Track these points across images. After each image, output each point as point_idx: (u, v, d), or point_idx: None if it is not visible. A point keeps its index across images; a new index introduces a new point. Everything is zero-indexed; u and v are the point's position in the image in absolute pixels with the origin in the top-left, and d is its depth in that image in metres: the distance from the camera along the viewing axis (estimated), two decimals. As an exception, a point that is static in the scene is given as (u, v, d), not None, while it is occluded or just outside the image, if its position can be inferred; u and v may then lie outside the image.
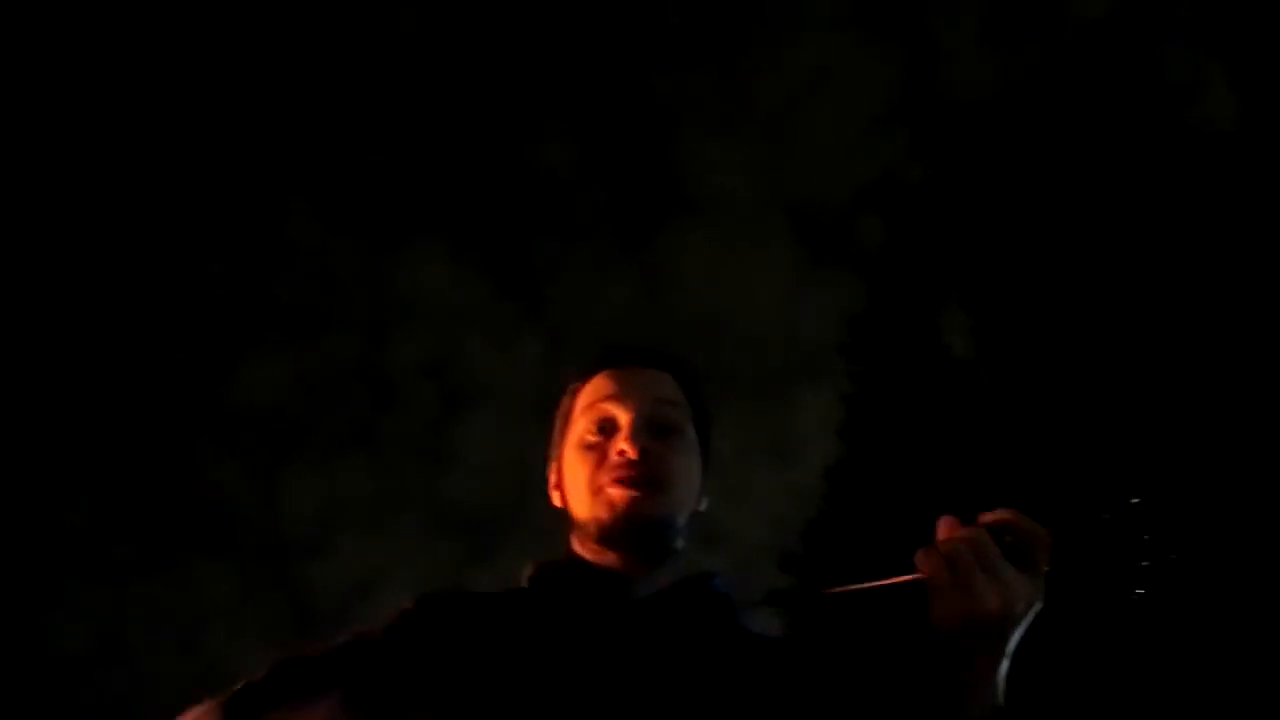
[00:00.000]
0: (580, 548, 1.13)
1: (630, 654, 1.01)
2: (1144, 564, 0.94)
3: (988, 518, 0.97)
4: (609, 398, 1.13)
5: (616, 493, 1.08)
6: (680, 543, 1.14)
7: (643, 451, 1.09)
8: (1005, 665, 0.93)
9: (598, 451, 1.12)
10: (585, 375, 1.18)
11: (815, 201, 21.01)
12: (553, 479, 1.21)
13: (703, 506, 1.19)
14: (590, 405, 1.14)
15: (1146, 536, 0.95)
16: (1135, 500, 0.96)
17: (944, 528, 0.98)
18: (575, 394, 1.18)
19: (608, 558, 1.10)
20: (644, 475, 1.09)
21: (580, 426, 1.15)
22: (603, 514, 1.09)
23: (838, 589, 0.96)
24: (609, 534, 1.08)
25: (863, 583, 0.96)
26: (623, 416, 1.12)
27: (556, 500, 1.19)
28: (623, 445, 1.09)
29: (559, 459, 1.19)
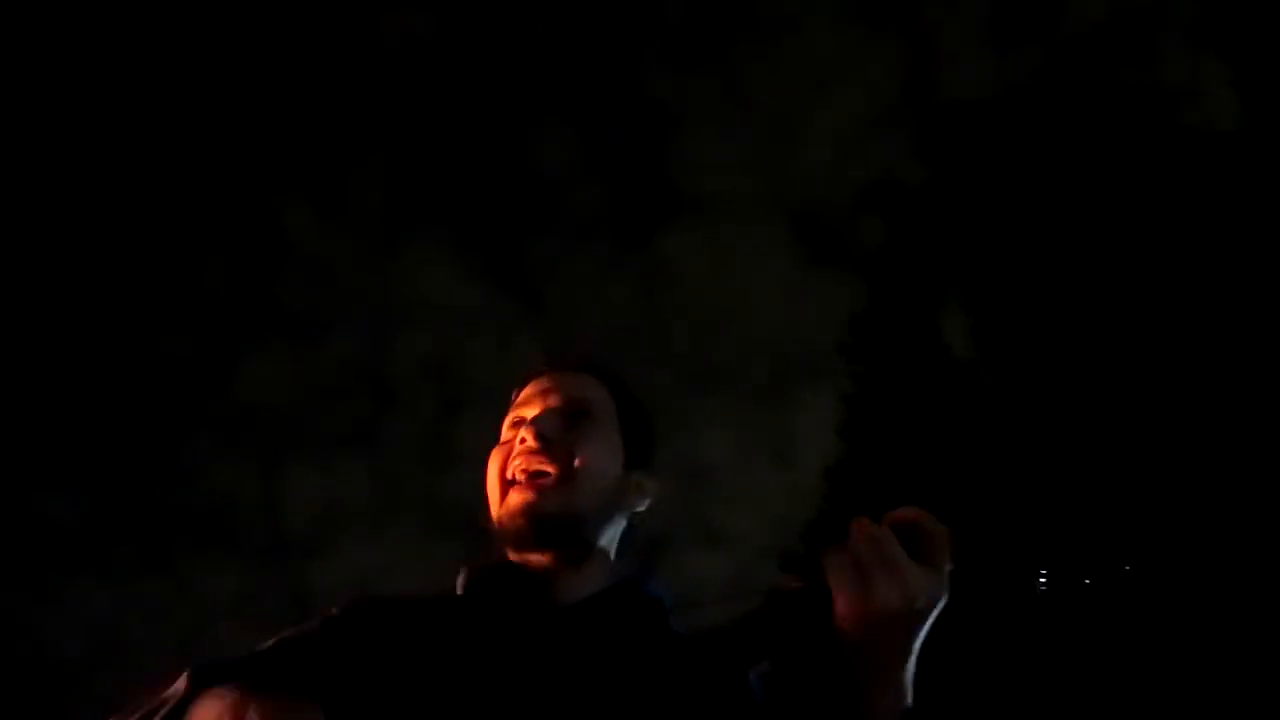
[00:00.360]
0: (506, 549, 1.13)
1: (552, 663, 0.99)
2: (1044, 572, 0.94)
3: (893, 517, 0.96)
4: (527, 398, 1.15)
5: (515, 496, 1.08)
6: (603, 540, 1.11)
7: (541, 438, 1.09)
8: (912, 663, 0.91)
9: (506, 447, 1.13)
10: (519, 386, 1.19)
11: (815, 201, 21.00)
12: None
13: (641, 505, 1.17)
14: (512, 406, 1.17)
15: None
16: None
17: (855, 529, 0.95)
18: (511, 403, 1.21)
19: (528, 559, 1.09)
20: (542, 461, 1.08)
21: (504, 429, 1.17)
22: (504, 516, 1.09)
23: (788, 587, 0.95)
24: (514, 536, 1.08)
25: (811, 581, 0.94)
26: (531, 411, 1.13)
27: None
28: (523, 433, 1.10)
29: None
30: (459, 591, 1.13)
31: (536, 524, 1.06)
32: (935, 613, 0.91)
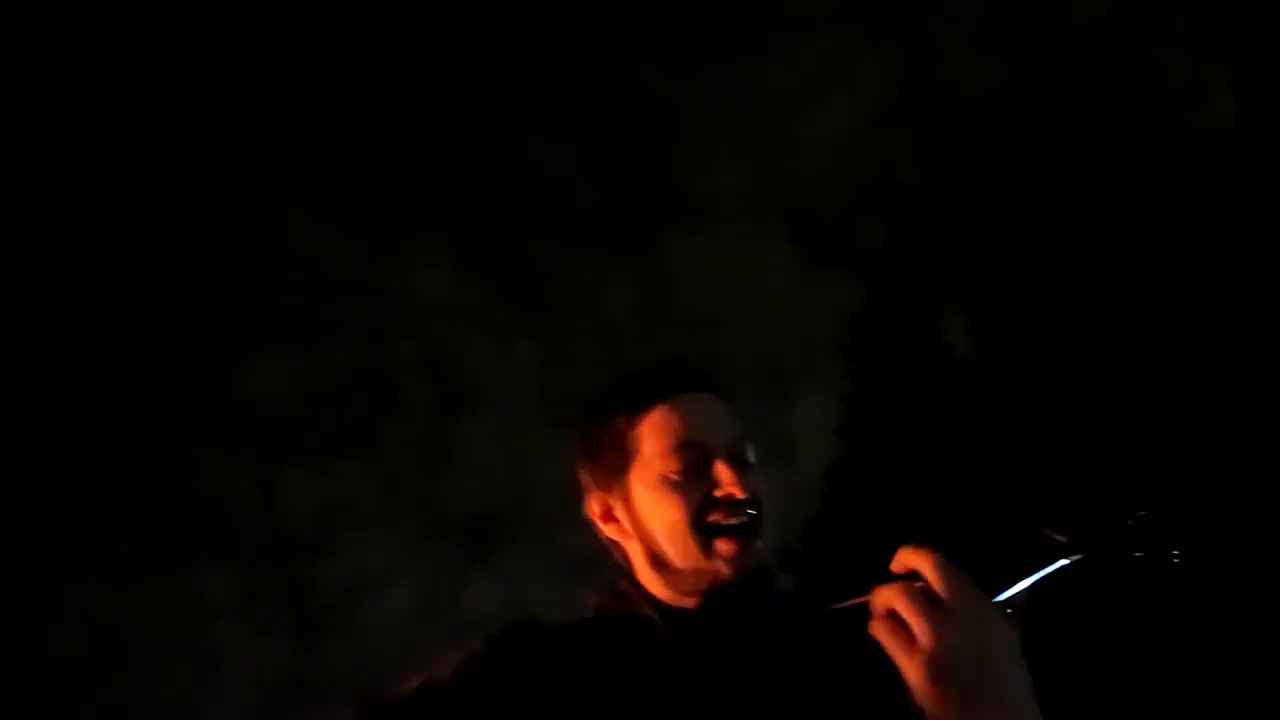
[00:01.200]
0: (660, 589, 1.12)
1: (746, 692, 1.03)
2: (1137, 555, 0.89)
3: (901, 565, 0.86)
4: (688, 433, 1.11)
5: (728, 546, 1.07)
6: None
7: (749, 494, 1.08)
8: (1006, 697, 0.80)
9: (692, 491, 1.09)
10: (640, 405, 1.14)
11: (815, 202, 21.01)
12: (598, 509, 1.18)
13: None
14: (668, 440, 1.11)
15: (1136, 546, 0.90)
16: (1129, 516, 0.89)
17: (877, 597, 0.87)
18: (633, 422, 1.14)
19: (692, 601, 1.10)
20: (749, 521, 1.08)
21: (660, 463, 1.11)
22: (720, 569, 1.07)
23: (843, 604, 0.91)
24: (723, 589, 1.08)
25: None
26: (710, 453, 1.10)
27: (611, 533, 1.17)
28: (729, 488, 1.08)
29: (618, 488, 1.15)
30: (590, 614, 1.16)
31: (746, 577, 1.08)
32: (1008, 651, 0.81)
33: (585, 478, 1.19)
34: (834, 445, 12.72)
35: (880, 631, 0.83)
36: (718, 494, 1.08)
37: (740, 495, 1.07)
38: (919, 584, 0.82)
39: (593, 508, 1.18)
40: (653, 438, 1.12)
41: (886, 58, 20.93)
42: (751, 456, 1.13)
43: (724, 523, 1.08)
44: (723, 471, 1.09)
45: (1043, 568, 0.89)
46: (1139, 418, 9.96)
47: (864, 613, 0.86)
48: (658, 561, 1.11)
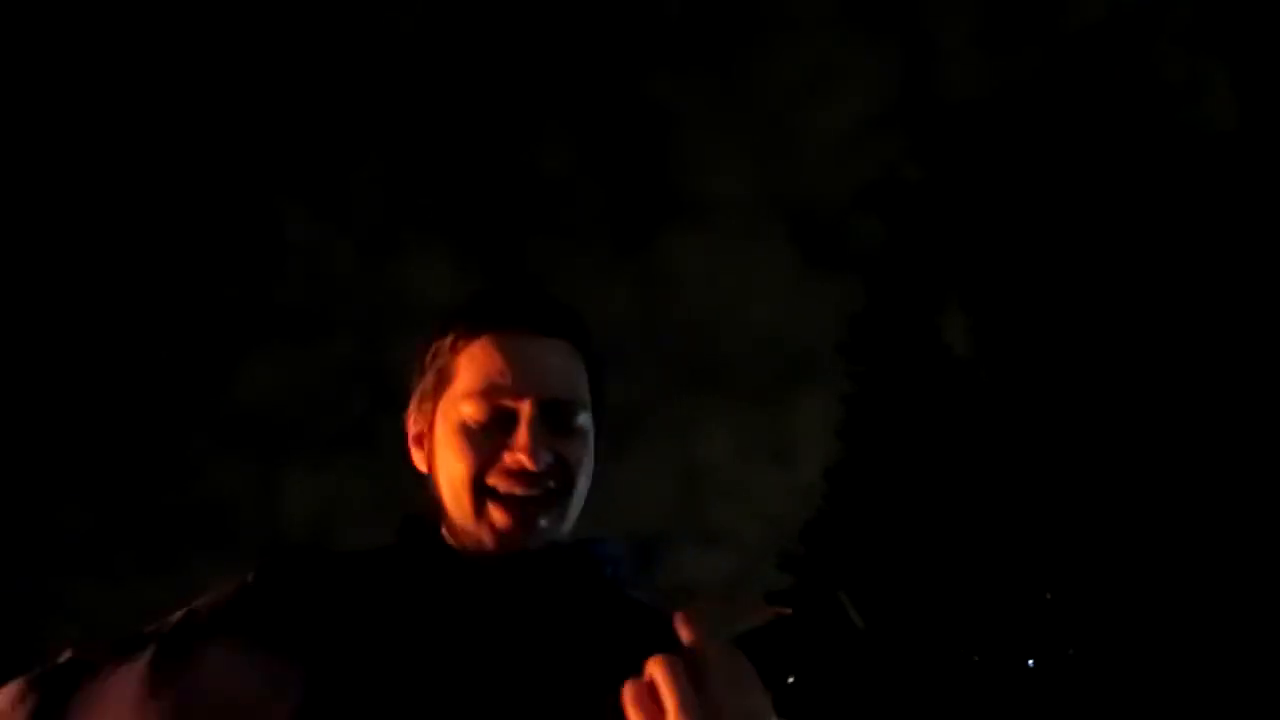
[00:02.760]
0: (450, 535, 1.02)
1: (495, 617, 0.94)
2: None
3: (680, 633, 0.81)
4: (501, 377, 0.98)
5: (498, 516, 0.96)
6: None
7: (543, 465, 0.96)
8: None
9: (484, 445, 0.97)
10: (470, 329, 1.01)
11: (814, 202, 21.02)
12: (413, 430, 1.06)
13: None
14: (477, 381, 0.99)
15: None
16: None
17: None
18: (456, 348, 1.01)
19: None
20: (543, 497, 0.97)
21: (464, 405, 0.99)
22: (484, 537, 0.97)
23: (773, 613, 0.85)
24: (487, 557, 0.97)
25: (734, 605, 0.84)
26: (519, 407, 0.97)
27: (418, 461, 1.06)
28: (520, 456, 0.95)
29: (426, 414, 1.04)
30: (395, 541, 1.04)
31: (518, 554, 0.97)
32: None
33: (410, 388, 1.07)
34: (834, 445, 12.72)
35: (627, 700, 0.76)
36: (507, 457, 0.96)
37: (531, 466, 0.95)
38: (690, 657, 0.76)
39: (409, 425, 1.07)
40: (468, 371, 1.00)
41: (886, 58, 20.95)
42: (579, 421, 1.00)
43: (505, 491, 0.96)
44: (521, 435, 0.96)
45: (836, 638, 0.84)
46: (1139, 417, 9.96)
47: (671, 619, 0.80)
48: (441, 504, 1.01)
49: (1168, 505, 9.47)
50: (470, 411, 0.99)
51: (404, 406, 1.07)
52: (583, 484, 1.00)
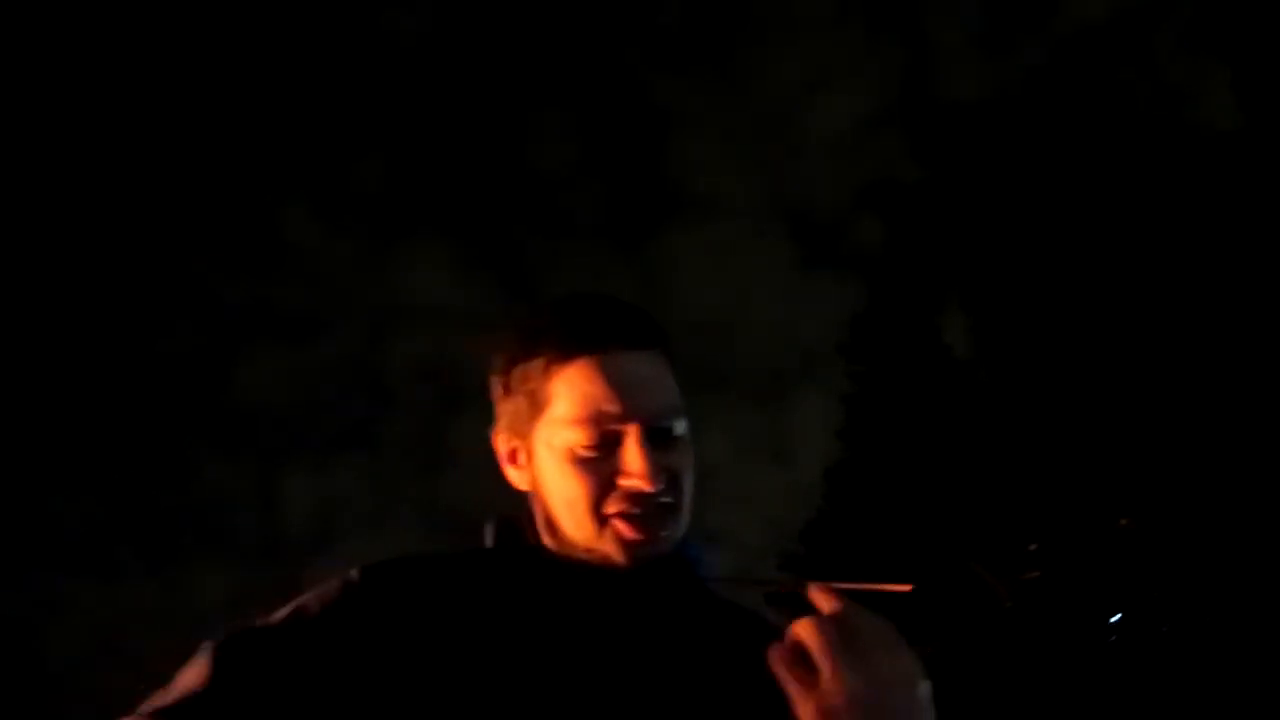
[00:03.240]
0: (559, 547, 1.03)
1: (624, 634, 0.97)
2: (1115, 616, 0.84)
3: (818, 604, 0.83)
4: (605, 403, 0.98)
5: (628, 531, 0.97)
6: None
7: (659, 487, 0.97)
8: None
9: (597, 473, 0.98)
10: (563, 353, 1.00)
11: (814, 202, 21.04)
12: (504, 448, 1.07)
13: None
14: (580, 407, 0.98)
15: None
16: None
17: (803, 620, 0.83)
18: (549, 373, 1.01)
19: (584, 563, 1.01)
20: (661, 510, 0.98)
21: (570, 432, 0.99)
22: (611, 551, 0.98)
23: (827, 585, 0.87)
24: (614, 571, 0.98)
25: (852, 583, 0.86)
26: (626, 430, 0.98)
27: (514, 477, 1.07)
28: (637, 481, 0.96)
29: (523, 436, 1.04)
30: (489, 544, 1.06)
31: (647, 564, 0.98)
32: (915, 698, 0.79)
33: (496, 407, 1.08)
34: (834, 445, 12.72)
35: (779, 664, 0.79)
36: (623, 483, 0.97)
37: (648, 489, 0.96)
38: (838, 622, 0.79)
39: (498, 444, 1.08)
40: (566, 398, 0.99)
41: (886, 58, 20.98)
42: (678, 429, 1.01)
43: (625, 513, 0.97)
44: (633, 458, 0.97)
45: (975, 611, 0.86)
46: (1138, 417, 9.95)
47: (790, 604, 0.83)
48: (553, 525, 1.02)
49: (1168, 506, 9.47)
50: (578, 439, 0.98)
51: (489, 424, 1.09)
52: (691, 490, 1.02)
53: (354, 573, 1.00)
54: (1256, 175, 10.55)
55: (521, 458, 1.05)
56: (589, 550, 0.99)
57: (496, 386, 1.07)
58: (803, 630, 0.78)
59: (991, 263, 12.01)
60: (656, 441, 0.99)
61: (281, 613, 0.97)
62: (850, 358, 12.89)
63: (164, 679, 0.99)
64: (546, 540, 1.04)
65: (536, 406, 1.02)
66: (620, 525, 0.97)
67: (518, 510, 1.07)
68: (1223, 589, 8.92)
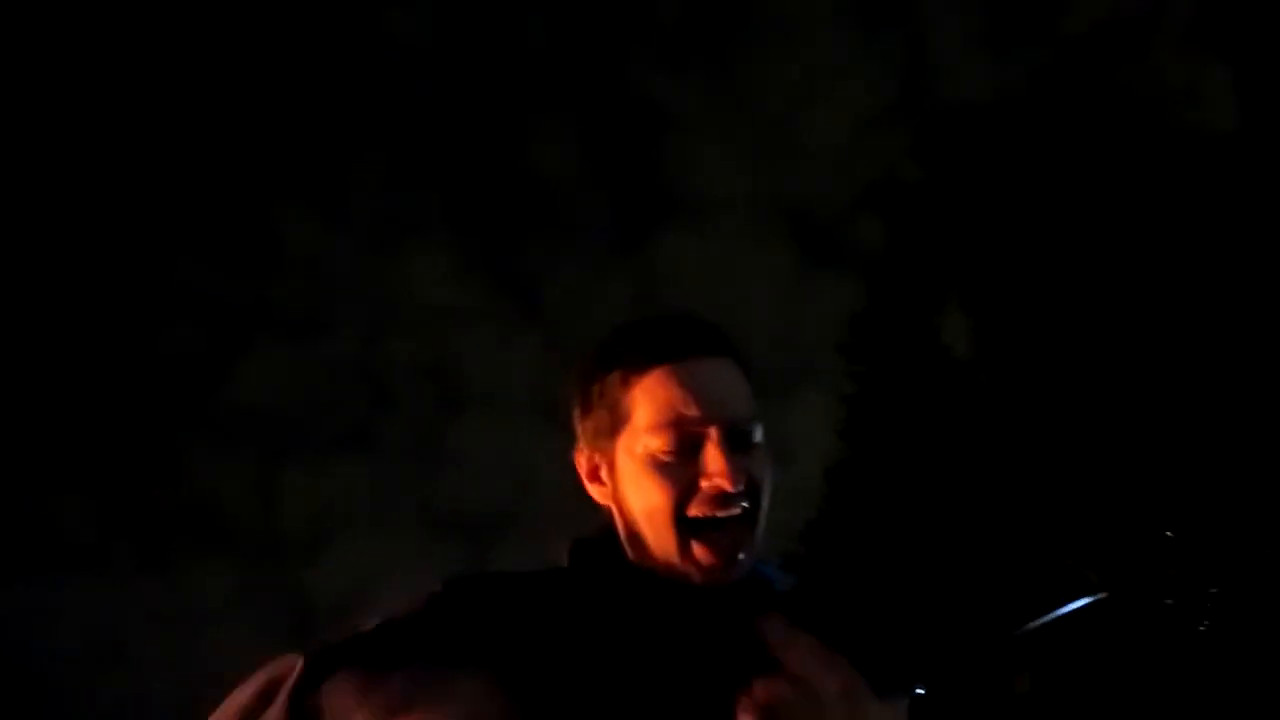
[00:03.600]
0: (639, 560, 1.04)
1: (691, 651, 0.96)
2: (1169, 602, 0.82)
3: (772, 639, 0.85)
4: (684, 407, 0.99)
5: (706, 556, 0.98)
6: None
7: (740, 486, 0.98)
8: None
9: (678, 476, 0.99)
10: (640, 364, 1.03)
11: (814, 202, 21.02)
12: (585, 466, 1.09)
13: None
14: (660, 413, 1.00)
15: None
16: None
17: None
18: (629, 383, 1.03)
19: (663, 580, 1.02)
20: (738, 523, 0.99)
21: (650, 439, 1.00)
22: (689, 571, 0.99)
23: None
24: (693, 591, 0.99)
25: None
26: (706, 433, 0.99)
27: (596, 494, 1.08)
28: (717, 480, 0.98)
29: (605, 450, 1.06)
30: (565, 564, 1.07)
31: (729, 580, 0.99)
32: None
33: (576, 427, 1.10)
34: (834, 445, 12.72)
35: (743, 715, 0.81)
36: (704, 484, 0.99)
37: (729, 488, 0.97)
38: (804, 690, 0.80)
39: (580, 462, 1.09)
40: (646, 406, 1.01)
41: (886, 57, 20.98)
42: (757, 436, 1.02)
43: (706, 515, 0.98)
44: (714, 457, 0.98)
45: (1065, 603, 0.85)
46: (1139, 417, 9.95)
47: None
48: (634, 539, 1.03)
49: (1169, 506, 9.47)
50: (658, 444, 1.00)
51: (571, 445, 1.10)
52: (767, 500, 1.02)
53: (438, 585, 1.02)
54: (1256, 176, 10.55)
55: (603, 473, 1.07)
56: (668, 568, 1.00)
57: (575, 406, 1.09)
58: (766, 693, 0.80)
59: (991, 263, 12.01)
60: (736, 445, 1.00)
61: (369, 624, 0.98)
62: (850, 358, 12.89)
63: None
64: (635, 558, 1.04)
65: (617, 419, 1.04)
66: (699, 548, 0.98)
67: (592, 531, 1.08)
68: (1223, 589, 8.91)
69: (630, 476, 1.02)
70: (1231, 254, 10.33)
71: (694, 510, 0.99)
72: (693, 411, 1.00)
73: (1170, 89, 11.83)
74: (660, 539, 1.00)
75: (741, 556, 0.99)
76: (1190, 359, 10.06)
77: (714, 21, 22.23)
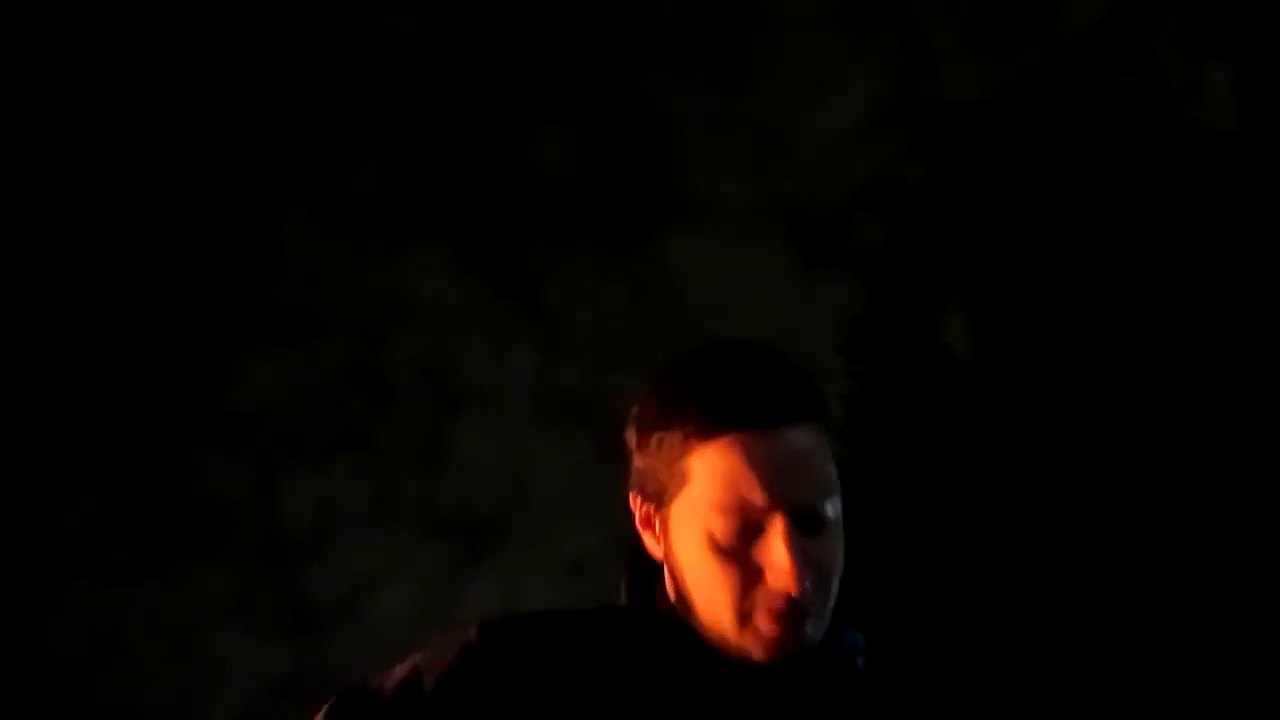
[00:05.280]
0: (691, 620, 0.97)
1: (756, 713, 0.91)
2: None
3: None
4: (749, 491, 0.90)
5: (769, 629, 0.90)
6: None
7: (806, 589, 0.90)
8: None
9: (741, 564, 0.91)
10: (706, 428, 0.92)
11: (813, 202, 21.05)
12: (639, 510, 1.00)
13: None
14: (722, 492, 0.91)
15: None
16: None
17: None
18: (690, 446, 0.92)
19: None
20: (807, 610, 0.91)
21: (711, 518, 0.92)
22: (749, 647, 0.92)
23: None
24: (755, 665, 0.92)
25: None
26: (773, 519, 0.90)
27: (651, 545, 0.99)
28: (785, 582, 0.89)
29: (662, 505, 0.97)
30: (623, 600, 1.01)
31: (789, 658, 0.92)
32: None
33: (631, 462, 1.01)
34: (834, 445, 12.71)
35: None
36: (769, 579, 0.90)
37: (794, 592, 0.88)
38: None
39: (635, 501, 1.00)
40: (707, 479, 0.91)
41: (885, 57, 20.99)
42: (830, 512, 0.92)
43: (767, 609, 0.90)
44: (779, 553, 0.89)
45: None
46: (1139, 417, 9.95)
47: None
48: (685, 602, 0.95)
49: (1169, 506, 9.46)
50: (719, 527, 0.91)
51: (625, 483, 1.01)
52: (837, 584, 0.94)
53: (472, 633, 0.95)
54: (1256, 175, 10.55)
55: (657, 526, 0.98)
56: (724, 640, 0.93)
57: (631, 442, 0.99)
58: None
59: (991, 263, 12.01)
60: (805, 528, 0.91)
61: (396, 676, 0.93)
62: (850, 358, 12.89)
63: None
64: (680, 611, 0.97)
65: (675, 479, 0.94)
66: (762, 621, 0.91)
67: (648, 561, 1.01)
68: (1222, 588, 8.92)
69: (687, 549, 0.94)
70: (1231, 253, 10.33)
71: (756, 614, 0.91)
72: (758, 498, 0.90)
73: (1170, 89, 11.83)
74: (719, 622, 0.93)
75: (809, 631, 0.91)
76: (1190, 358, 10.06)
77: (713, 22, 22.23)
